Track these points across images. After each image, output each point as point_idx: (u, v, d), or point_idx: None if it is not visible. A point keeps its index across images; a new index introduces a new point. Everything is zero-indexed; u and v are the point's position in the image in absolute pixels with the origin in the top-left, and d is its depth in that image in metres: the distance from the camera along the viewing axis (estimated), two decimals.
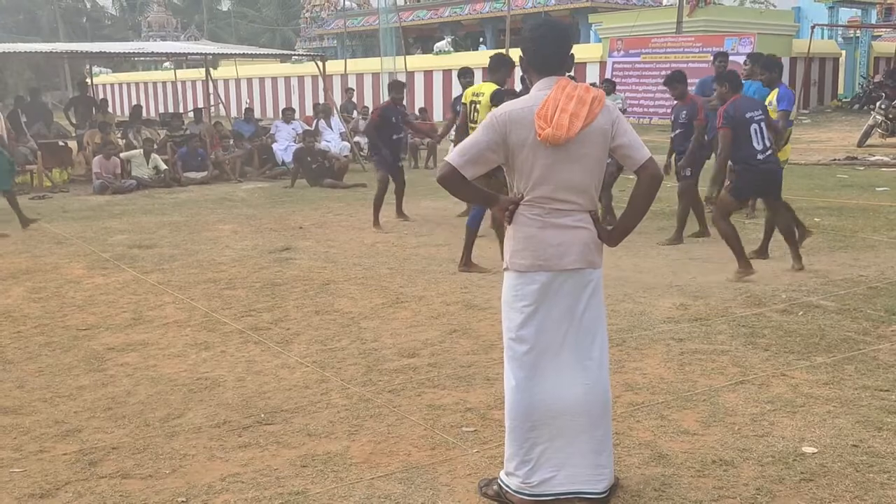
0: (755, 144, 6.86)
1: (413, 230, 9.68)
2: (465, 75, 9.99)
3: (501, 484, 3.31)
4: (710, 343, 5.28)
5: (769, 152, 6.95)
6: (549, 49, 3.17)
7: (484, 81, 8.18)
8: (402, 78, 28.13)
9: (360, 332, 5.69)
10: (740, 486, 3.41)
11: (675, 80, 8.61)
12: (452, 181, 3.12)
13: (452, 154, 3.12)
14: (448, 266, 7.65)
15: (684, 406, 4.28)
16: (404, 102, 13.36)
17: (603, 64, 26.44)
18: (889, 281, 6.65)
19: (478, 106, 7.74)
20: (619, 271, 7.20)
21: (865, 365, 4.79)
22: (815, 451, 3.69)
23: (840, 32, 31.15)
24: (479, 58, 31.89)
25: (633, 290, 6.63)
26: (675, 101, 8.85)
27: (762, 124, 6.93)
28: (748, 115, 6.87)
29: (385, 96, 28.06)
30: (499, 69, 8.01)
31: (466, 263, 7.42)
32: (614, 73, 24.79)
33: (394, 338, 5.55)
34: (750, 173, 6.97)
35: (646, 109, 24.95)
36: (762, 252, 7.60)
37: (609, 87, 17.87)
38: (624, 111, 17.34)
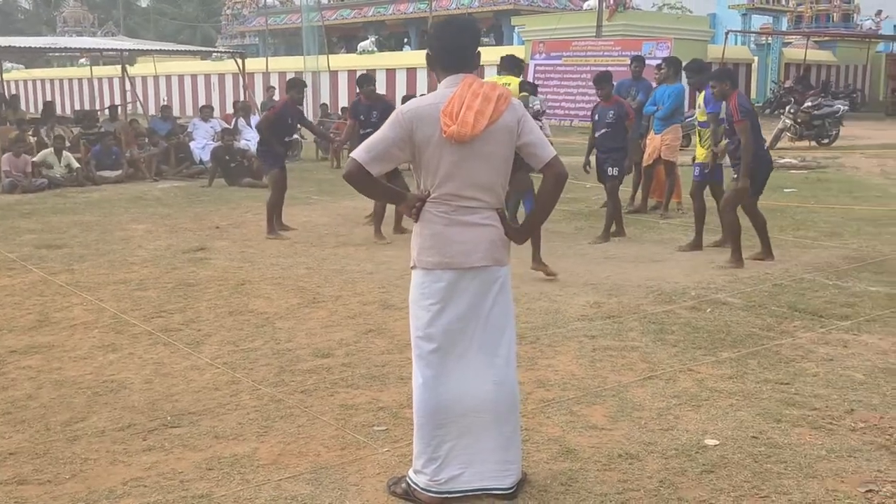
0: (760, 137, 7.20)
1: (333, 230, 9.61)
2: (368, 83, 9.67)
3: (410, 482, 3.30)
4: (622, 340, 5.37)
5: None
6: (454, 47, 3.18)
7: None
8: (325, 77, 28.01)
9: (275, 333, 5.62)
10: (645, 478, 3.47)
11: (605, 81, 8.76)
12: (358, 178, 3.10)
13: (358, 150, 3.10)
14: (366, 266, 7.61)
15: (594, 402, 4.34)
16: (327, 101, 13.24)
17: (525, 66, 26.68)
18: (793, 278, 6.88)
19: None
20: (535, 270, 7.27)
21: (768, 359, 4.94)
22: (717, 443, 3.79)
23: (753, 39, 32.16)
24: (404, 58, 31.95)
25: (550, 288, 6.70)
26: (599, 102, 8.97)
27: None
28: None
29: (309, 95, 27.76)
30: (511, 68, 8.08)
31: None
32: (536, 74, 25.07)
33: (309, 338, 5.49)
34: (762, 164, 7.32)
35: (567, 111, 25.30)
36: (767, 252, 7.69)
37: (531, 89, 18.12)
38: (544, 112, 17.59)
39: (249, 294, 6.64)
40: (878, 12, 37.30)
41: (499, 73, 8.18)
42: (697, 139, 8.53)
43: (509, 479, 3.27)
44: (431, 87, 25.66)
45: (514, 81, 7.80)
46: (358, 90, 9.79)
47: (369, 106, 9.37)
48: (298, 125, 9.88)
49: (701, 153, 8.30)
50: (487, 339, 3.21)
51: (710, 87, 8.35)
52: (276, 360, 5.06)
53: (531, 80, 20.94)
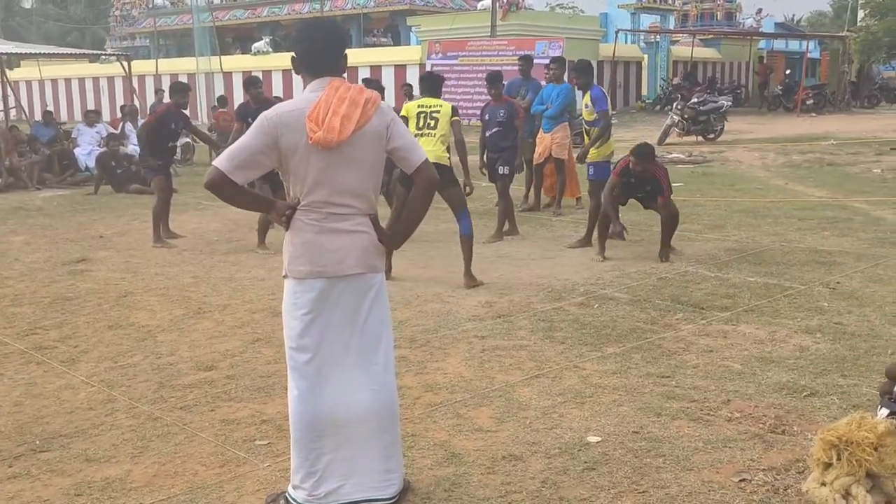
0: None
1: (224, 236, 9.37)
2: (255, 85, 9.51)
3: (289, 497, 3.22)
4: (511, 339, 5.40)
5: None
6: (320, 50, 3.10)
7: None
8: (218, 79, 27.37)
9: (156, 347, 5.42)
10: (527, 479, 3.48)
11: (496, 80, 8.81)
12: (221, 187, 2.98)
13: (220, 158, 2.99)
14: (257, 272, 7.45)
15: (481, 403, 4.34)
16: (216, 104, 12.93)
17: (422, 66, 26.70)
18: (677, 271, 7.06)
19: (436, 115, 7.20)
20: (430, 271, 7.26)
21: (651, 353, 5.04)
22: (599, 439, 3.83)
23: (642, 37, 33.01)
24: None
25: (443, 289, 6.69)
26: (489, 102, 9.02)
27: None
28: None
29: (202, 98, 27.09)
30: (433, 90, 7.69)
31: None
32: None
33: (192, 350, 5.32)
34: None
35: (465, 111, 25.39)
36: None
37: (408, 90, 18.10)
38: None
39: (131, 306, 6.39)
40: (759, 11, 38.85)
41: (422, 94, 7.75)
42: (586, 139, 8.64)
43: (391, 488, 3.22)
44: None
45: (444, 106, 7.25)
46: (250, 91, 9.60)
47: (257, 109, 9.14)
48: (183, 130, 9.58)
49: (593, 153, 8.42)
50: (364, 348, 3.15)
51: (597, 87, 8.52)
52: (156, 375, 4.87)
53: (408, 83, 20.94)
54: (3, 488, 3.53)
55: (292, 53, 3.13)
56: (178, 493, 3.43)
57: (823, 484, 1.07)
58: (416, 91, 20.55)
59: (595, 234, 7.98)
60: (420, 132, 7.01)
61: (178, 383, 4.72)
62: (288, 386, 3.20)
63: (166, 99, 21.44)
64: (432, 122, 7.10)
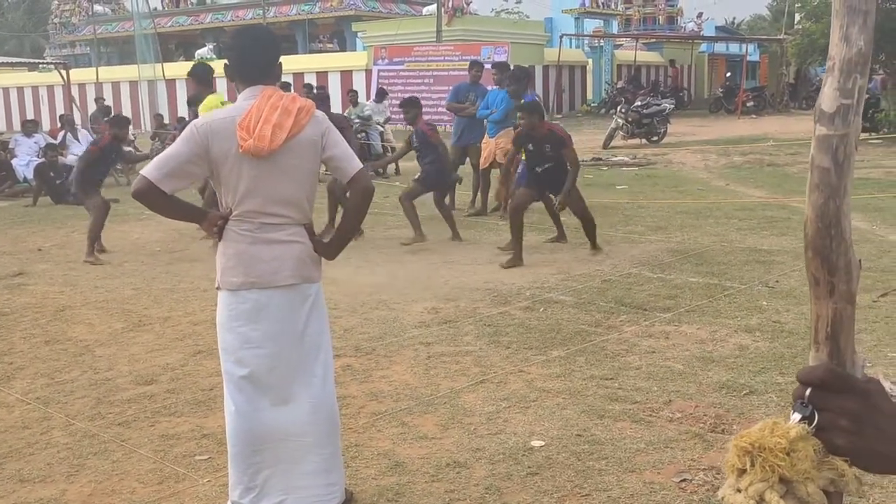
0: None
1: (167, 246, 9.22)
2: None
3: None
4: (457, 345, 5.39)
5: None
6: (253, 57, 3.07)
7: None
8: (161, 86, 26.99)
9: (94, 361, 5.30)
10: (471, 486, 3.47)
11: (410, 105, 8.88)
12: (149, 196, 2.91)
13: (149, 167, 2.93)
14: (200, 283, 7.33)
15: (426, 411, 4.32)
16: (163, 112, 12.84)
17: (369, 72, 26.67)
18: (621, 273, 7.13)
19: None
20: (374, 278, 7.22)
21: (595, 355, 5.08)
22: (543, 443, 3.84)
23: (586, 42, 33.38)
24: None
25: (389, 296, 6.66)
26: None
27: None
28: None
29: (145, 105, 26.63)
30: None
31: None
32: (380, 80, 25.06)
33: (131, 364, 5.21)
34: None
35: None
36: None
37: (380, 96, 18.10)
38: (388, 120, 17.61)
39: (69, 320, 6.25)
40: (699, 14, 39.55)
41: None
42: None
43: (333, 501, 3.18)
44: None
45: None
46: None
47: None
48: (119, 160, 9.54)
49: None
50: (302, 360, 3.11)
51: (530, 96, 8.54)
52: (93, 391, 4.76)
53: (378, 88, 20.94)
54: None
55: (225, 61, 3.08)
56: None
57: (738, 490, 1.08)
58: (362, 97, 20.48)
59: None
60: None
61: (116, 398, 4.62)
62: (225, 400, 3.14)
63: (108, 104, 20.93)
64: None
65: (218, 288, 3.10)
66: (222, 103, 7.72)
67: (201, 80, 9.05)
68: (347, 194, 3.82)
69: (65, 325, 6.13)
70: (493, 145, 10.12)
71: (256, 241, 3.01)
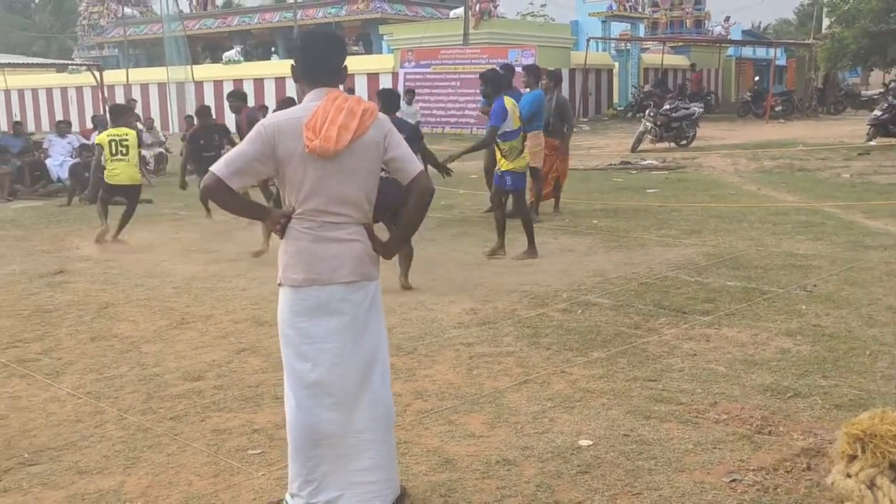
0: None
1: (202, 246, 9.32)
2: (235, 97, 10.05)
3: None
4: (497, 346, 5.43)
5: None
6: (318, 59, 3.13)
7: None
8: (189, 88, 27.21)
9: (141, 358, 5.38)
10: (522, 484, 3.51)
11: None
12: (217, 192, 3.00)
13: (218, 164, 3.01)
14: (239, 282, 7.42)
15: (471, 409, 4.37)
16: (192, 113, 13.08)
17: (395, 74, 26.78)
18: (657, 276, 7.14)
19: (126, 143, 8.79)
20: (412, 279, 7.26)
21: (636, 357, 5.10)
22: (591, 443, 3.88)
23: (613, 45, 33.34)
24: (271, 67, 31.45)
25: (426, 297, 6.71)
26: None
27: None
28: None
29: (173, 106, 26.89)
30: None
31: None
32: (406, 83, 25.17)
33: (178, 361, 5.29)
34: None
35: (438, 119, 25.51)
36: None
37: (409, 97, 18.18)
38: (419, 123, 17.67)
39: (113, 318, 6.35)
40: (727, 18, 39.42)
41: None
42: (497, 152, 8.28)
43: (389, 496, 3.23)
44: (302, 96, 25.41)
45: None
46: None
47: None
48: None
49: (507, 164, 8.08)
50: (361, 356, 3.16)
51: (500, 100, 8.18)
52: (143, 386, 4.85)
53: (407, 88, 21.02)
54: None
55: (292, 62, 3.15)
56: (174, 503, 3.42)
57: (849, 475, 1.10)
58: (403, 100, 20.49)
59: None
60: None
61: (166, 394, 4.70)
62: (285, 395, 3.20)
63: (139, 109, 21.20)
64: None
65: (280, 284, 3.16)
66: None
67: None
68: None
69: (109, 322, 6.23)
70: None
71: (318, 239, 3.07)
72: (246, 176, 3.02)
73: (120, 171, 9.41)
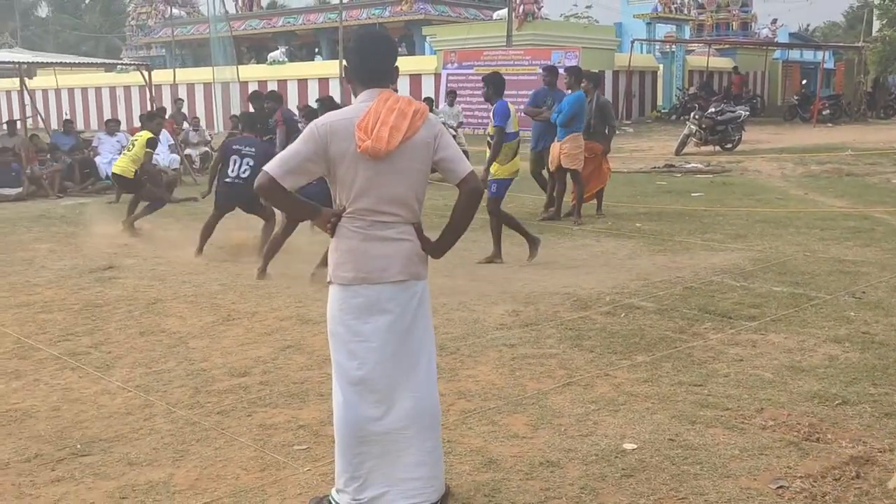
0: None
1: (248, 244, 9.41)
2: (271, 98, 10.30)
3: (332, 501, 3.26)
4: (540, 347, 5.43)
5: None
6: (372, 60, 3.16)
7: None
8: (235, 88, 27.52)
9: (189, 353, 5.47)
10: (566, 485, 3.51)
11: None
12: (271, 191, 3.06)
13: (272, 163, 3.06)
14: (282, 280, 7.49)
15: (514, 410, 4.37)
16: (237, 113, 13.33)
17: (437, 76, 26.84)
18: (702, 281, 7.07)
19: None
20: (453, 280, 7.29)
21: (681, 362, 5.06)
22: (636, 447, 3.86)
23: (657, 47, 33.07)
24: (315, 68, 31.73)
25: (468, 298, 6.72)
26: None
27: None
28: None
29: (218, 106, 27.23)
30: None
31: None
32: (449, 84, 25.21)
33: (224, 357, 5.37)
34: None
35: (480, 120, 25.46)
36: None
37: (451, 98, 18.19)
38: (461, 124, 17.72)
39: (161, 313, 6.46)
40: (774, 21, 38.88)
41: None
42: (487, 152, 8.18)
43: (434, 494, 3.25)
44: (344, 96, 25.54)
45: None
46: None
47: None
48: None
49: (496, 169, 8.01)
50: (408, 354, 3.19)
51: (502, 102, 8.13)
52: (190, 381, 4.93)
53: (449, 89, 21.05)
54: (48, 491, 3.58)
55: (345, 62, 3.19)
56: (223, 497, 3.48)
57: None
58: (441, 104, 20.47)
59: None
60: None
61: (213, 389, 4.78)
62: (333, 391, 3.24)
63: (185, 109, 21.47)
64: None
65: (330, 282, 3.20)
66: None
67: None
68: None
69: (157, 318, 6.33)
70: (558, 150, 10.11)
71: (368, 238, 3.10)
72: (298, 175, 3.07)
73: (118, 162, 10.52)
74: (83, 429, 4.25)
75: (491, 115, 8.20)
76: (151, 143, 10.33)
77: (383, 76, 3.17)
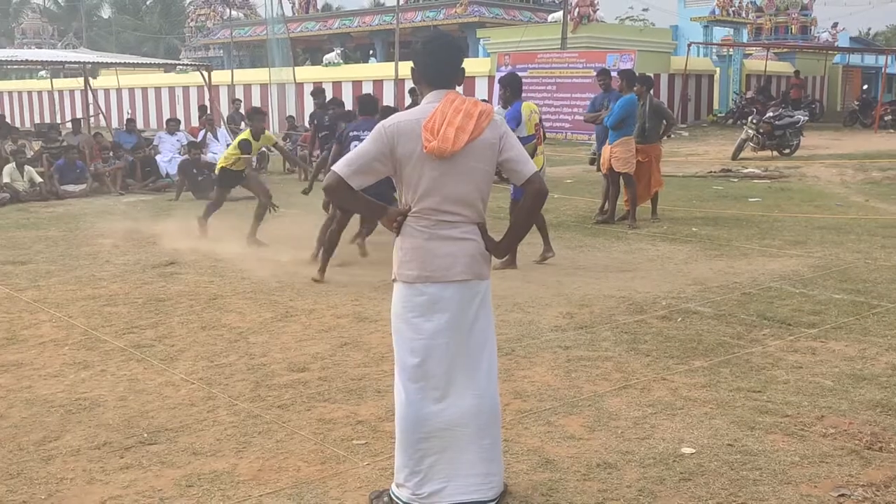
0: None
1: (304, 242, 9.55)
2: (316, 96, 10.35)
3: (392, 496, 3.31)
4: (595, 350, 5.43)
5: None
6: (439, 62, 3.22)
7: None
8: (291, 90, 27.91)
9: (249, 348, 5.59)
10: (623, 487, 3.52)
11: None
12: (339, 191, 3.13)
13: (339, 163, 3.13)
14: (340, 278, 7.60)
15: (570, 412, 4.38)
16: (293, 114, 13.63)
17: (491, 78, 26.82)
18: (761, 287, 6.99)
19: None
20: (507, 282, 7.31)
21: (739, 368, 5.02)
22: (694, 451, 3.85)
23: (714, 50, 32.60)
24: (370, 70, 31.97)
25: (522, 300, 6.74)
26: None
27: None
28: None
29: (274, 107, 27.66)
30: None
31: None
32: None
33: (283, 352, 5.47)
34: None
35: None
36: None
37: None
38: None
39: (222, 309, 6.60)
40: (835, 25, 38.11)
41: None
42: None
43: (492, 491, 3.29)
44: (398, 99, 25.69)
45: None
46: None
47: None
48: None
49: None
50: (470, 353, 3.23)
51: (517, 104, 8.12)
52: (251, 375, 5.04)
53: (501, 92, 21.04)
54: (117, 477, 3.70)
55: (412, 65, 3.25)
56: (285, 488, 3.56)
57: None
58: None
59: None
60: None
61: (273, 383, 4.87)
62: (395, 388, 3.29)
63: (242, 109, 21.85)
64: None
65: (394, 280, 3.26)
66: None
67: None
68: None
69: (218, 313, 6.47)
70: (609, 153, 10.07)
71: (432, 237, 3.16)
72: (366, 175, 3.14)
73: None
74: (149, 418, 4.38)
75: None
76: (244, 146, 9.64)
77: (450, 78, 3.22)
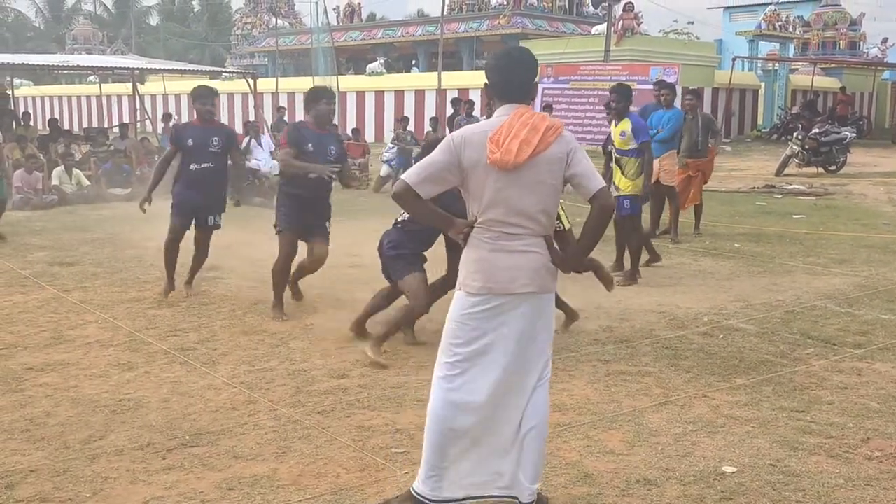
0: None
1: (345, 251, 9.62)
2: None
3: (413, 491, 3.34)
4: (635, 365, 5.39)
5: None
6: (512, 77, 3.26)
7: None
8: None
9: (290, 353, 5.64)
10: None
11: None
12: (407, 199, 3.19)
13: (409, 172, 3.18)
14: (378, 286, 7.61)
15: (610, 426, 4.36)
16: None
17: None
18: (805, 305, 6.89)
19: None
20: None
21: (782, 387, 4.95)
22: (735, 470, 3.80)
23: (760, 65, 32.28)
24: (412, 80, 32.12)
25: (559, 312, 6.69)
26: None
27: None
28: None
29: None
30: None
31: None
32: (544, 98, 25.18)
33: (323, 358, 5.52)
34: None
35: (576, 134, 25.29)
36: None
37: (546, 112, 18.20)
38: None
39: (263, 314, 6.66)
40: (884, 40, 37.47)
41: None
42: (617, 170, 7.96)
43: (525, 493, 3.28)
44: (440, 109, 25.77)
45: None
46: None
47: None
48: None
49: (628, 184, 7.87)
50: (524, 365, 3.25)
51: (634, 115, 8.06)
52: (291, 380, 5.08)
53: (545, 104, 21.01)
54: (159, 478, 3.75)
55: (485, 80, 3.31)
56: (324, 493, 3.58)
57: None
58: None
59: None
60: None
61: (313, 389, 4.91)
62: (432, 388, 3.32)
63: (286, 117, 22.04)
64: None
65: (458, 289, 3.28)
66: None
67: None
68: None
69: (259, 318, 6.54)
70: (658, 165, 9.97)
71: (496, 248, 3.18)
72: (434, 184, 3.18)
73: None
74: (191, 421, 4.44)
75: (627, 128, 7.89)
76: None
77: (520, 92, 3.25)
